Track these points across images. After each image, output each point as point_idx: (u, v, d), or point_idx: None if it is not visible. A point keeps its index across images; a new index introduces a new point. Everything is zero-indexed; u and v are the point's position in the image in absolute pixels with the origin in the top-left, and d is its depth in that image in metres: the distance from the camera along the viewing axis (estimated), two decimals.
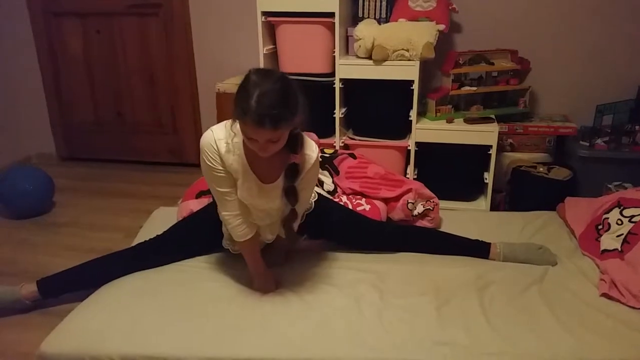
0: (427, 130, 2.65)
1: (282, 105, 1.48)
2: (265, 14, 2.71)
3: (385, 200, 2.32)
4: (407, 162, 2.75)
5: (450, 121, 2.67)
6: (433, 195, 2.34)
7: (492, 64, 2.72)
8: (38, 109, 3.61)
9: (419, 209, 2.30)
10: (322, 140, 2.80)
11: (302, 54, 2.75)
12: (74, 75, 3.52)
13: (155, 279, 1.94)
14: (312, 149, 1.75)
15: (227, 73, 3.19)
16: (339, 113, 2.74)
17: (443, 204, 2.43)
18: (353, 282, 1.89)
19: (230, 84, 2.99)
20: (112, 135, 3.62)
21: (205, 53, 3.34)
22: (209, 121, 3.09)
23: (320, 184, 2.39)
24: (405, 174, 2.75)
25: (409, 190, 2.32)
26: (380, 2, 2.81)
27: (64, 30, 3.42)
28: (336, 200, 2.31)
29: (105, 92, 3.52)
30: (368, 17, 2.83)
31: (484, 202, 2.70)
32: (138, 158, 3.63)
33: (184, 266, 2.01)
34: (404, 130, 2.73)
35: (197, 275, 1.96)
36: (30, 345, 1.79)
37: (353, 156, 2.50)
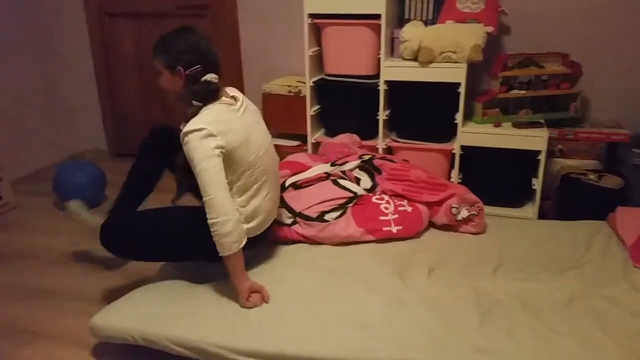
0: (473, 133, 2.61)
1: (164, 41, 1.83)
2: (312, 16, 2.74)
3: (428, 205, 2.30)
4: (452, 166, 2.71)
5: (497, 125, 2.61)
6: (478, 200, 2.30)
7: (542, 67, 2.65)
8: (92, 106, 3.76)
9: (463, 213, 2.26)
10: (365, 142, 2.80)
11: (347, 55, 2.76)
12: (126, 74, 3.65)
13: (209, 270, 2.00)
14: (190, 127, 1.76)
15: (273, 74, 3.23)
16: (382, 115, 2.73)
17: (488, 209, 2.39)
18: (395, 283, 1.88)
19: (276, 85, 3.04)
20: None
21: (252, 54, 3.39)
22: None
23: (357, 181, 2.39)
24: (449, 178, 2.71)
25: (452, 195, 2.29)
26: (427, 3, 2.78)
27: (118, 30, 3.56)
28: (377, 197, 2.31)
29: (154, 91, 3.63)
30: (414, 19, 2.81)
31: (531, 209, 2.63)
32: None
33: None
34: (449, 133, 2.69)
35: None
36: (82, 331, 1.89)
37: (391, 161, 2.49)
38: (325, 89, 2.89)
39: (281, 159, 2.68)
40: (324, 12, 2.70)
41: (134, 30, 3.52)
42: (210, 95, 1.85)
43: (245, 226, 1.87)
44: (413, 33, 2.59)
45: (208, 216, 1.74)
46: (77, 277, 2.30)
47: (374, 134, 2.80)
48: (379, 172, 2.43)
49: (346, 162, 2.53)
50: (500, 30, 2.81)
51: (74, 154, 3.78)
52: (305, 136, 2.94)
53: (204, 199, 1.75)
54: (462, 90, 2.55)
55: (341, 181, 2.36)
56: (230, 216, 1.74)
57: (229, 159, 1.81)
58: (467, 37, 2.50)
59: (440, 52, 2.54)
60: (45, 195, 3.12)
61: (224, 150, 1.78)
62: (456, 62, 2.52)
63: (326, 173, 2.43)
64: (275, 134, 3.12)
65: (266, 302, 1.81)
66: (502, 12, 2.72)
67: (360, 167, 2.48)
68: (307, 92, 2.85)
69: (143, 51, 3.55)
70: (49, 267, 2.38)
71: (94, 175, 2.94)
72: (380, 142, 2.77)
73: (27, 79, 3.40)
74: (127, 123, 3.79)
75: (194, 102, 1.82)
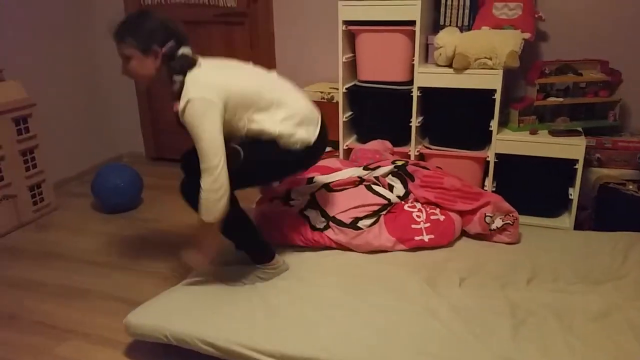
0: (509, 141, 2.56)
1: (129, 24, 1.83)
2: (346, 22, 2.75)
3: (462, 213, 2.28)
4: (486, 174, 2.67)
5: (533, 132, 2.57)
6: (512, 209, 2.26)
7: (580, 74, 2.59)
8: (131, 111, 3.87)
9: (498, 223, 2.23)
10: (397, 149, 2.79)
11: (381, 62, 2.76)
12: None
13: (240, 273, 2.04)
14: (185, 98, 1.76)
15: (307, 80, 3.25)
16: (415, 122, 2.72)
17: (523, 219, 2.34)
18: (425, 292, 1.87)
19: (310, 91, 3.06)
20: None
21: (287, 61, 3.43)
22: None
23: (390, 188, 2.38)
24: (483, 186, 2.67)
25: (486, 204, 2.26)
26: (463, 9, 2.76)
27: None
28: (409, 205, 2.29)
29: None
30: (449, 25, 2.79)
31: (567, 220, 2.56)
32: None
33: None
34: (483, 140, 2.66)
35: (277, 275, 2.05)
36: (116, 331, 1.93)
37: (425, 168, 2.48)
38: (358, 95, 2.89)
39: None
40: (359, 19, 2.71)
41: None
42: (189, 67, 1.84)
43: (300, 135, 1.92)
44: (448, 39, 2.58)
45: (208, 182, 1.74)
46: (112, 277, 2.36)
47: (406, 141, 2.79)
48: (412, 179, 2.42)
49: (379, 166, 2.53)
50: (537, 37, 2.76)
51: (113, 157, 3.90)
52: (337, 142, 2.95)
53: (206, 165, 1.75)
54: (497, 97, 2.51)
55: (375, 187, 2.36)
56: (227, 186, 1.76)
57: (238, 100, 1.83)
58: (504, 43, 2.47)
59: (475, 59, 2.51)
60: (85, 196, 3.22)
61: (226, 107, 1.79)
62: (492, 69, 2.50)
63: (359, 177, 2.44)
64: None
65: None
66: (540, 18, 2.68)
67: (393, 173, 2.47)
68: (340, 98, 2.86)
69: None
70: (85, 267, 2.46)
71: (131, 178, 3.02)
72: (413, 149, 2.76)
73: (72, 84, 3.52)
74: (163, 128, 3.87)
75: (174, 77, 1.82)
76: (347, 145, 2.93)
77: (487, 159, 2.62)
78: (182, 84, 1.81)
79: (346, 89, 2.86)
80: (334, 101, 2.95)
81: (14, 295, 2.25)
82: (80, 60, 3.58)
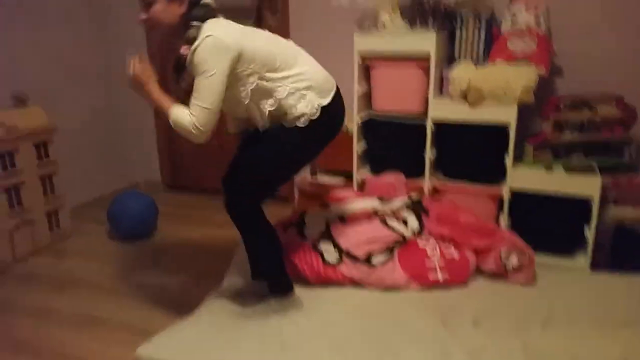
0: (523, 177, 2.55)
1: None
2: (362, 54, 2.78)
3: (476, 250, 2.26)
4: (500, 210, 2.65)
5: (548, 169, 2.55)
6: (528, 247, 2.24)
7: (595, 110, 2.58)
8: (148, 139, 3.93)
9: (513, 261, 2.21)
10: (411, 182, 2.79)
11: (396, 94, 2.78)
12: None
13: (252, 305, 2.04)
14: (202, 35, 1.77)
15: None
16: (429, 154, 2.72)
17: (538, 257, 2.32)
18: (439, 333, 1.84)
19: None
20: (213, 166, 3.83)
21: None
22: None
23: (404, 222, 2.38)
24: (497, 222, 2.65)
25: (502, 241, 2.24)
26: (478, 43, 2.77)
27: None
28: (423, 241, 2.28)
29: None
30: (464, 59, 2.81)
31: (583, 259, 2.51)
32: None
33: None
34: (498, 175, 2.64)
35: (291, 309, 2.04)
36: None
37: (440, 202, 2.47)
38: (373, 127, 2.91)
39: (326, 196, 2.71)
40: (374, 49, 2.74)
41: None
42: (210, 17, 1.85)
43: (322, 101, 1.93)
44: (462, 73, 2.59)
45: (192, 120, 1.77)
46: (125, 306, 2.37)
47: (420, 174, 2.78)
48: (427, 213, 2.42)
49: (394, 199, 2.53)
50: (552, 72, 2.76)
51: (129, 184, 3.95)
52: (351, 173, 2.96)
53: (199, 102, 1.77)
54: (511, 131, 2.51)
55: (389, 221, 2.36)
56: (207, 132, 1.81)
57: (252, 56, 1.83)
58: (518, 78, 2.47)
59: (489, 93, 2.52)
60: (101, 223, 3.26)
61: (240, 58, 1.80)
62: (506, 103, 2.50)
63: (374, 210, 2.44)
64: (321, 170, 3.16)
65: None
66: (554, 53, 2.68)
67: (408, 207, 2.47)
68: (354, 129, 2.88)
69: None
70: (99, 295, 2.48)
71: (146, 206, 3.05)
72: (427, 182, 2.75)
73: (91, 111, 3.60)
74: (180, 157, 3.92)
75: (193, 23, 1.81)
76: (361, 177, 2.94)
77: (502, 195, 2.61)
78: (200, 29, 1.80)
79: (361, 120, 2.88)
80: (349, 132, 2.97)
81: (28, 321, 2.27)
82: (100, 88, 3.66)
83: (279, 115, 1.94)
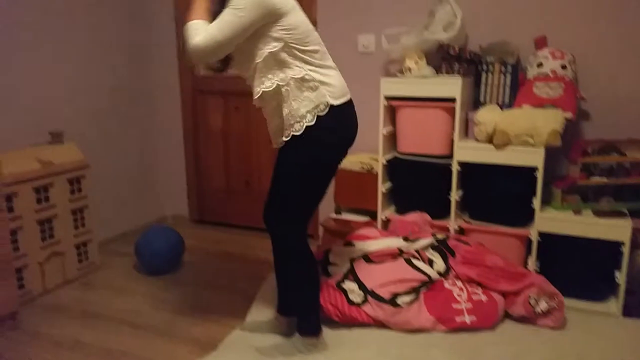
0: (552, 220, 2.53)
1: None
2: (387, 97, 2.84)
3: (505, 294, 2.22)
4: (529, 253, 2.62)
5: (577, 212, 2.52)
6: (557, 291, 2.20)
7: (624, 154, 2.56)
8: (178, 174, 4.02)
9: (542, 306, 2.17)
10: (436, 222, 2.79)
11: (421, 135, 2.81)
12: (212, 145, 3.89)
13: (276, 343, 2.04)
14: None
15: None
16: (455, 195, 2.72)
17: (567, 302, 2.28)
18: None
19: (350, 161, 3.12)
20: (240, 202, 3.90)
21: None
22: (327, 194, 3.22)
23: (430, 263, 2.36)
24: (526, 265, 2.61)
25: (530, 285, 2.21)
26: (503, 87, 2.81)
27: (208, 106, 3.84)
28: (449, 283, 2.26)
29: (236, 162, 3.83)
30: (490, 102, 2.84)
31: (614, 305, 2.46)
32: (262, 225, 3.85)
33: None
34: (526, 217, 2.62)
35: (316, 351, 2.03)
36: None
37: (466, 243, 2.45)
38: (398, 167, 2.93)
39: (351, 234, 2.72)
40: (400, 95, 2.80)
41: (221, 106, 3.79)
42: None
43: (339, 97, 1.93)
44: (488, 116, 2.62)
45: (201, 36, 1.79)
46: (149, 341, 2.38)
47: (445, 214, 2.78)
48: (453, 255, 2.40)
49: (419, 238, 2.52)
50: (579, 115, 2.77)
51: (157, 218, 4.02)
52: (375, 212, 2.97)
53: (214, 31, 1.78)
54: (539, 174, 2.50)
55: (415, 261, 2.35)
56: (204, 59, 1.85)
57: (282, 21, 1.83)
58: (545, 122, 2.48)
59: (516, 136, 2.53)
60: (128, 256, 3.31)
61: (278, 17, 1.80)
62: (533, 146, 2.50)
63: (399, 249, 2.43)
64: (345, 209, 3.18)
65: None
66: (582, 98, 2.69)
67: (434, 247, 2.46)
68: (379, 169, 2.91)
69: (228, 125, 3.79)
70: (124, 329, 2.49)
71: (173, 241, 3.09)
72: (453, 223, 2.74)
73: (123, 146, 3.71)
74: (208, 192, 3.99)
75: None
76: (385, 216, 2.94)
77: (530, 237, 2.58)
78: None
79: (386, 160, 2.91)
80: (374, 171, 3.00)
81: (54, 353, 2.29)
82: (133, 124, 3.78)
83: (281, 114, 1.94)
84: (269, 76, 1.90)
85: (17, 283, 2.57)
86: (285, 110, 1.91)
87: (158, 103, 3.93)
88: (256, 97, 1.96)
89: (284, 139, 1.94)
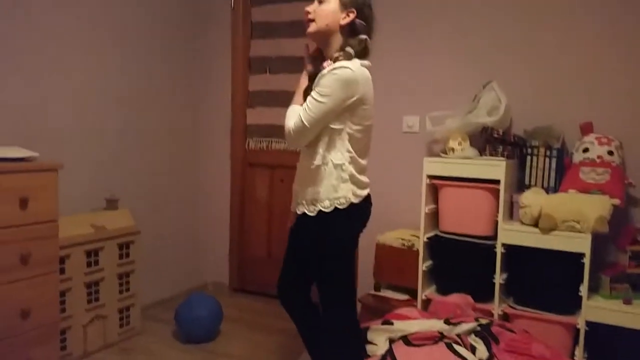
0: (601, 309, 2.43)
1: None
2: (430, 177, 2.87)
3: None
4: (576, 343, 2.51)
5: (627, 302, 2.42)
6: None
7: None
8: (221, 241, 4.10)
9: None
10: (480, 305, 2.72)
11: (464, 215, 2.81)
12: (256, 215, 3.99)
13: None
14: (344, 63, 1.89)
15: (388, 226, 3.32)
16: (499, 279, 2.66)
17: None
18: None
19: (390, 237, 3.12)
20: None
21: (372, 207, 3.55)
22: (366, 270, 3.21)
23: (472, 349, 2.29)
24: (572, 356, 2.50)
25: None
26: (549, 171, 2.80)
27: (255, 177, 3.98)
28: None
29: (278, 233, 3.88)
30: (535, 185, 2.82)
31: None
32: None
33: None
34: (573, 305, 2.53)
35: None
36: None
37: (511, 331, 2.38)
38: (440, 246, 2.91)
39: (389, 312, 2.68)
40: (443, 175, 2.83)
41: (268, 178, 3.92)
42: (361, 53, 1.96)
43: (362, 192, 2.04)
44: (534, 199, 2.60)
45: (293, 123, 1.91)
46: None
47: (489, 298, 2.71)
48: (497, 342, 2.32)
49: (461, 322, 2.46)
50: (628, 201, 2.72)
51: (199, 284, 4.08)
52: (415, 291, 2.92)
53: (304, 116, 1.88)
54: (586, 261, 2.44)
55: (456, 347, 2.28)
56: (298, 143, 1.98)
57: (356, 110, 1.92)
58: (592, 207, 2.45)
59: (562, 221, 2.50)
60: (168, 323, 3.34)
61: (355, 101, 1.89)
62: (580, 232, 2.46)
63: (440, 332, 2.37)
64: (384, 286, 3.15)
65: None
66: (630, 184, 2.66)
67: (476, 333, 2.39)
68: (420, 247, 2.90)
69: (273, 197, 3.90)
70: None
71: (213, 309, 3.12)
72: (497, 308, 2.67)
73: (170, 214, 3.85)
74: (250, 262, 4.04)
75: (347, 48, 1.93)
76: (426, 296, 2.90)
77: (577, 326, 2.48)
78: (346, 59, 1.91)
79: (427, 238, 2.90)
80: (414, 249, 2.98)
81: None
82: (182, 191, 3.93)
83: (305, 183, 2.04)
84: (318, 150, 1.98)
85: (60, 345, 2.63)
86: (311, 187, 2.00)
87: (208, 172, 4.10)
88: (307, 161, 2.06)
89: (309, 213, 2.03)
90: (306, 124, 1.89)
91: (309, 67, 2.08)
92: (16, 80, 2.76)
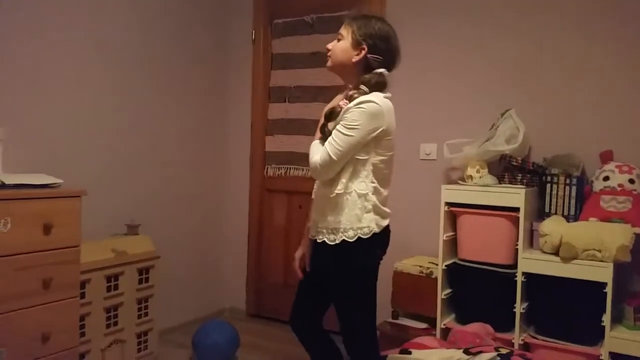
0: (625, 340, 2.38)
1: (366, 17, 2.05)
2: (448, 204, 2.87)
3: None
4: None
5: None
6: None
7: None
8: (239, 267, 4.12)
9: None
10: (500, 335, 2.67)
11: (483, 243, 2.79)
12: (274, 241, 4.00)
13: None
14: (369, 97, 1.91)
15: (406, 254, 3.31)
16: (519, 308, 2.63)
17: None
18: None
19: (408, 265, 3.10)
20: None
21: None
22: (384, 296, 3.18)
23: None
24: None
25: None
26: (569, 199, 2.77)
27: (274, 203, 4.01)
28: None
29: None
30: (555, 213, 2.80)
31: None
32: None
33: None
34: (595, 335, 2.48)
35: None
36: None
37: None
38: (458, 274, 2.89)
39: (408, 341, 2.65)
40: (461, 202, 2.82)
41: (286, 204, 3.95)
42: (377, 86, 1.97)
43: (384, 222, 2.04)
44: (554, 227, 2.58)
45: (320, 157, 1.92)
46: None
47: (509, 327, 2.67)
48: None
49: (481, 352, 2.42)
50: None
51: (216, 310, 4.08)
52: (434, 319, 2.89)
53: (330, 150, 1.89)
54: (609, 291, 2.40)
55: None
56: (326, 175, 1.96)
57: (381, 141, 1.94)
58: (613, 236, 2.42)
59: (583, 250, 2.47)
60: (185, 348, 3.34)
61: (381, 132, 1.91)
62: (601, 261, 2.42)
63: None
64: (402, 314, 3.12)
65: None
66: None
67: None
68: (439, 275, 2.88)
69: (290, 223, 3.92)
70: None
71: (230, 336, 3.11)
72: (517, 337, 2.63)
73: (189, 240, 3.88)
74: (267, 288, 4.04)
75: (362, 87, 1.95)
76: (444, 324, 2.87)
77: (601, 358, 2.43)
78: (364, 95, 1.93)
79: (446, 265, 2.88)
80: (433, 276, 2.96)
81: None
82: (200, 218, 3.97)
83: (324, 211, 2.03)
84: (341, 179, 1.98)
85: None
86: (332, 216, 1.99)
87: (228, 199, 4.15)
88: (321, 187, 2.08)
89: (329, 242, 2.01)
90: (334, 157, 1.91)
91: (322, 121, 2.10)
92: (41, 108, 2.85)
